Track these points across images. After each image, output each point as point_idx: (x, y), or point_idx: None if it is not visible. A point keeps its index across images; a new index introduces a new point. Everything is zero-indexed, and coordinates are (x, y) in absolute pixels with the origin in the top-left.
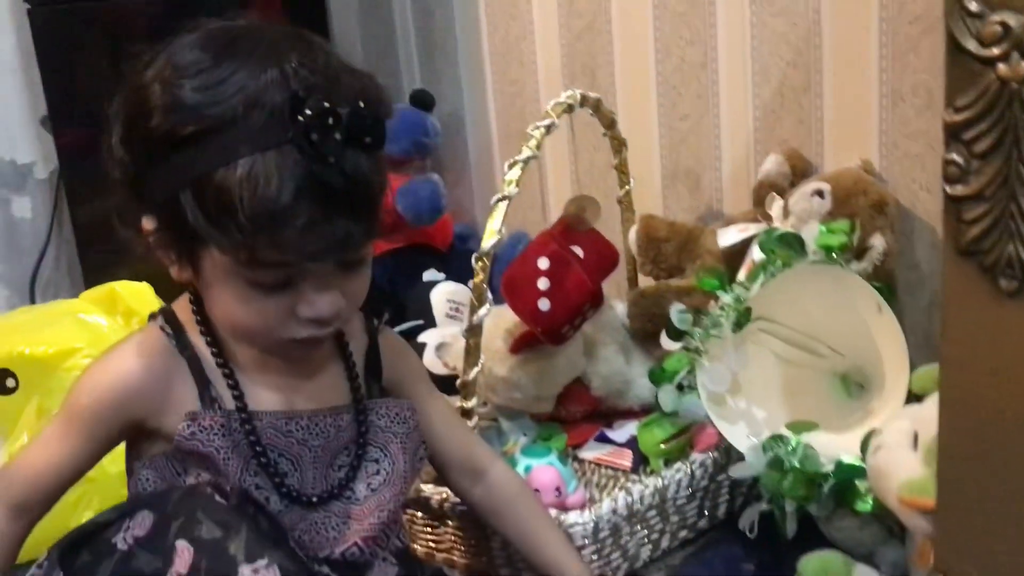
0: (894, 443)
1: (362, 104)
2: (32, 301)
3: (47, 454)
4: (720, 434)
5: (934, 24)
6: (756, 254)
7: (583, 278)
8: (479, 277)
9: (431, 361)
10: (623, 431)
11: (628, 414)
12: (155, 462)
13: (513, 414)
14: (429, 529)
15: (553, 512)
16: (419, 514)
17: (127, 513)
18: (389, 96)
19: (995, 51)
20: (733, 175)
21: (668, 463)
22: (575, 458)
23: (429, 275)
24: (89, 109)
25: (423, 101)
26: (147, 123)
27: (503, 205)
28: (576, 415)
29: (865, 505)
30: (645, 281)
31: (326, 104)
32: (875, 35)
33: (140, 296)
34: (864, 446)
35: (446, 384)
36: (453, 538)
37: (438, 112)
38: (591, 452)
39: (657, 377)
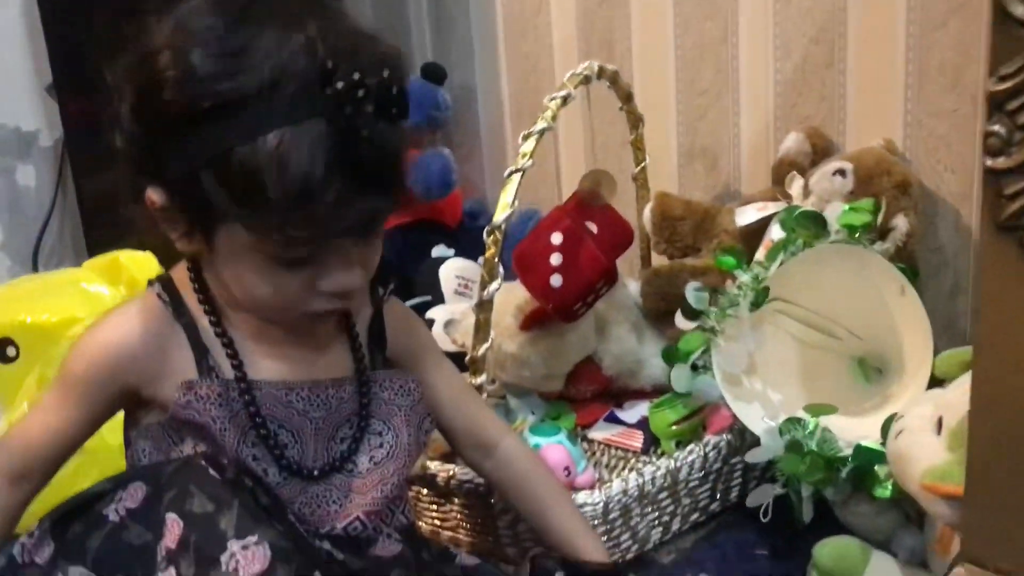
0: (917, 428)
1: (386, 73)
2: (35, 270)
3: (43, 422)
4: (734, 416)
5: (964, 1)
6: (775, 233)
7: (597, 254)
8: (491, 251)
9: (439, 338)
10: (634, 412)
11: (639, 395)
12: (151, 432)
13: (522, 392)
14: (435, 507)
15: None
16: (424, 491)
17: (120, 484)
18: (407, 62)
19: None
20: (752, 153)
21: (679, 445)
22: (584, 438)
23: (438, 251)
24: (95, 77)
25: (434, 74)
26: (159, 95)
27: (516, 177)
28: (586, 394)
29: (884, 491)
30: (659, 260)
31: (356, 75)
32: (902, 11)
33: (144, 266)
34: (885, 430)
35: (455, 361)
36: (459, 516)
37: (449, 86)
38: (600, 432)
39: (671, 356)
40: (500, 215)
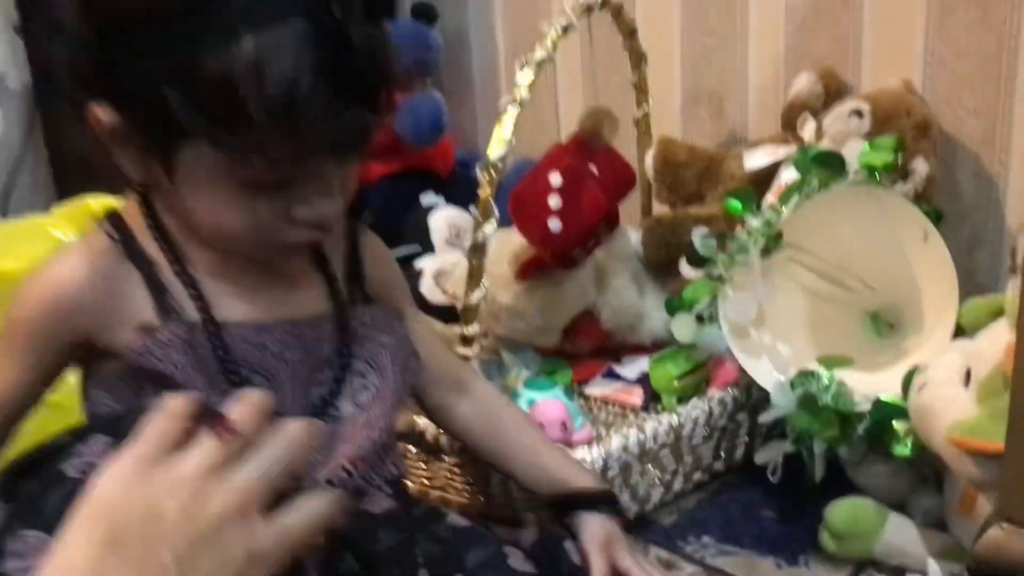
0: (943, 380)
1: None
2: (4, 215)
3: None
4: (740, 370)
5: None
6: (787, 176)
7: (598, 195)
8: (485, 190)
9: (429, 289)
10: (633, 367)
11: (638, 350)
12: (108, 382)
13: (516, 346)
14: (423, 465)
15: None
16: (412, 448)
17: (80, 438)
18: None
19: None
20: (760, 97)
21: (681, 401)
22: (581, 394)
23: (427, 199)
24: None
25: (425, 14)
26: None
27: (513, 109)
28: (583, 349)
29: (904, 449)
30: (660, 209)
31: None
32: None
33: None
34: (907, 384)
35: (445, 314)
36: (448, 475)
37: (441, 29)
38: (598, 388)
39: (674, 306)
40: (496, 150)
